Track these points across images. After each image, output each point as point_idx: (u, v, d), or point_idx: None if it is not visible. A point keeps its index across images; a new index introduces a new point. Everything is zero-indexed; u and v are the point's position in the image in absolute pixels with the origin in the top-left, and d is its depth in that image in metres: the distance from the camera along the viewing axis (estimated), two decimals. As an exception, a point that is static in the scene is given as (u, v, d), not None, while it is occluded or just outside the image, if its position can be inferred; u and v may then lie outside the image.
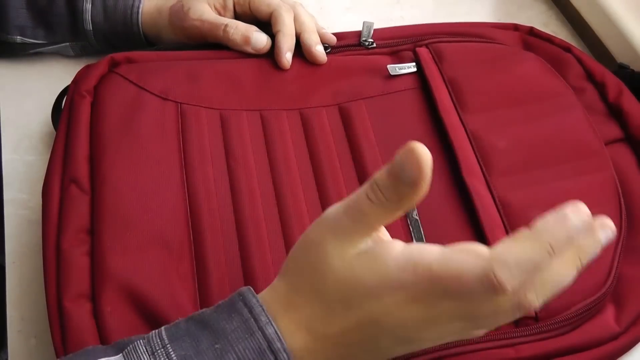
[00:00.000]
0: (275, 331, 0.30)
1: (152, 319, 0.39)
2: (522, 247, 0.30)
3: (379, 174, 0.31)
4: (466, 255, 0.30)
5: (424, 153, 0.29)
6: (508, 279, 0.29)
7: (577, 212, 0.31)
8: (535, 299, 0.30)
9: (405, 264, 0.30)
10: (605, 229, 0.32)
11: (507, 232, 0.43)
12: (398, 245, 0.32)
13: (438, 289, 0.30)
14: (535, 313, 0.40)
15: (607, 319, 0.41)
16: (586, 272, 0.41)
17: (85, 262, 0.41)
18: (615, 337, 0.41)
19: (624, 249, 0.44)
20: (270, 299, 0.32)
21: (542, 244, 0.30)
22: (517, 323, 0.40)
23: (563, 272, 0.31)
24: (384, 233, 0.35)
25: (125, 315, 0.39)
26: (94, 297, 0.40)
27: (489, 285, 0.29)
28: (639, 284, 0.43)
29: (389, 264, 0.31)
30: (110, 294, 0.39)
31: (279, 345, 0.30)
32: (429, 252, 0.31)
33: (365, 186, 0.31)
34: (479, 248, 0.31)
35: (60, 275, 0.40)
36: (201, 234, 0.43)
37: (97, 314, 0.39)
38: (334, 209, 0.32)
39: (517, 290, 0.29)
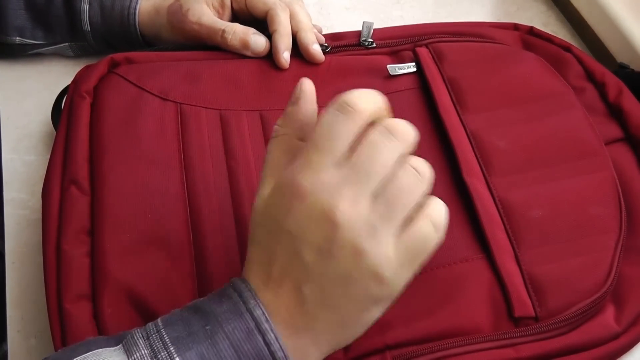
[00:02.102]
0: (264, 312, 0.32)
1: (152, 319, 0.39)
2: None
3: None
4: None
5: (305, 80, 0.36)
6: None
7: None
8: None
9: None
10: None
11: (507, 232, 0.43)
12: None
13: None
14: (536, 313, 0.40)
15: (607, 319, 0.41)
16: (586, 272, 0.42)
17: (85, 263, 0.41)
18: (615, 337, 0.41)
19: (624, 249, 0.44)
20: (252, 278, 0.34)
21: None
22: (517, 323, 0.40)
23: None
24: None
25: (125, 316, 0.39)
26: (94, 298, 0.40)
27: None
28: (639, 284, 0.43)
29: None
30: (111, 294, 0.39)
31: (266, 325, 0.31)
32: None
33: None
34: None
35: (60, 276, 0.40)
36: (201, 234, 0.43)
37: (97, 315, 0.39)
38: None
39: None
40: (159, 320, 0.33)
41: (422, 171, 0.33)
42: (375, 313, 0.34)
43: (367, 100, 0.33)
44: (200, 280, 0.41)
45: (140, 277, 0.40)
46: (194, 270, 0.42)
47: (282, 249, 0.33)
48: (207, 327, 0.31)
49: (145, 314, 0.39)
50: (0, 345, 0.52)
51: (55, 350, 0.38)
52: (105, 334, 0.38)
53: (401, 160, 0.33)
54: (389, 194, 0.32)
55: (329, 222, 0.31)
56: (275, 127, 0.36)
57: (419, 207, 0.33)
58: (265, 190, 0.34)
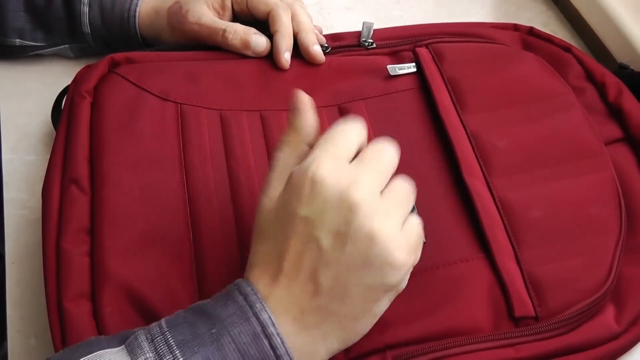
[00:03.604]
0: (270, 317, 0.32)
1: (152, 319, 0.39)
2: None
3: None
4: None
5: (302, 94, 0.38)
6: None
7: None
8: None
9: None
10: None
11: (507, 232, 0.43)
12: None
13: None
14: (536, 313, 0.40)
15: (607, 319, 0.41)
16: (586, 272, 0.42)
17: (85, 262, 0.41)
18: (615, 337, 0.41)
19: (624, 249, 0.44)
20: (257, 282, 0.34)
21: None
22: (518, 323, 0.40)
23: None
24: None
25: (125, 315, 0.39)
26: (94, 297, 0.40)
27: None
28: (639, 284, 0.43)
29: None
30: (110, 294, 0.39)
31: (272, 329, 0.32)
32: None
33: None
34: None
35: (60, 276, 0.40)
36: (201, 234, 0.43)
37: (97, 314, 0.39)
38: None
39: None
40: (162, 322, 0.33)
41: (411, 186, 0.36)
42: (384, 303, 0.35)
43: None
44: (200, 279, 0.41)
45: (140, 277, 0.40)
46: (194, 270, 0.42)
47: (298, 237, 0.33)
48: (213, 331, 0.32)
49: (144, 313, 0.39)
50: (0, 345, 0.52)
51: (55, 350, 0.38)
52: (105, 333, 0.38)
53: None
54: (395, 190, 0.35)
55: (347, 205, 0.33)
56: (281, 139, 0.37)
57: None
58: (275, 190, 0.35)
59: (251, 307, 0.32)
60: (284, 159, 0.37)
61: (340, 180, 0.33)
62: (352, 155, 0.35)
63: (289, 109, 0.38)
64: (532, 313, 0.40)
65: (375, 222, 0.33)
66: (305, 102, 0.37)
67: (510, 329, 0.40)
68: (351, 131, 0.36)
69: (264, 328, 0.32)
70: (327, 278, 0.33)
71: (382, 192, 0.34)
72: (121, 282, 0.40)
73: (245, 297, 0.33)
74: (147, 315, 0.39)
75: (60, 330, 0.39)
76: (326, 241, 0.33)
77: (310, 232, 0.33)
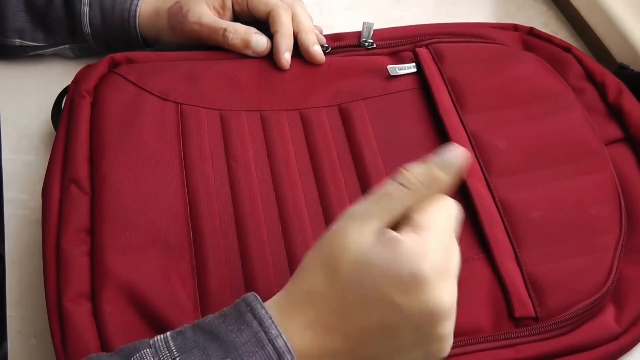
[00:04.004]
0: (285, 343, 0.30)
1: (151, 318, 0.39)
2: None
3: (409, 165, 0.32)
4: None
5: (463, 149, 0.33)
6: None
7: None
8: None
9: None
10: None
11: (507, 232, 0.43)
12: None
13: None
14: (536, 313, 0.40)
15: (607, 319, 0.41)
16: (586, 272, 0.42)
17: (85, 262, 0.41)
18: (615, 337, 0.41)
19: (624, 249, 0.44)
20: (280, 305, 0.32)
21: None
22: (518, 323, 0.40)
23: None
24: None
25: (124, 315, 0.39)
26: (94, 297, 0.40)
27: None
28: (639, 284, 0.43)
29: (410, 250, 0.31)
30: (110, 293, 0.39)
31: (289, 357, 0.30)
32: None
33: (394, 176, 0.33)
34: None
35: (60, 275, 0.40)
36: (201, 234, 0.43)
37: (96, 314, 0.39)
38: (359, 202, 0.33)
39: None
40: (170, 341, 0.31)
41: None
42: None
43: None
44: (200, 278, 0.41)
45: (140, 276, 0.40)
46: (194, 270, 0.42)
47: (378, 316, 0.31)
48: None
49: (144, 312, 0.39)
50: (0, 345, 0.52)
51: (55, 350, 0.38)
52: (104, 333, 0.38)
53: None
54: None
55: (436, 318, 0.31)
56: (408, 175, 0.33)
57: None
58: (366, 227, 0.32)
59: (266, 333, 0.31)
60: (398, 196, 0.32)
61: (447, 295, 0.31)
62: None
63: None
64: (532, 313, 0.40)
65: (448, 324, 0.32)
66: (463, 151, 0.33)
67: (510, 330, 0.40)
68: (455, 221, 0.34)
69: (280, 356, 0.30)
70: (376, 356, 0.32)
71: None
72: (121, 281, 0.40)
73: (260, 322, 0.31)
74: (147, 314, 0.39)
75: (60, 330, 0.39)
76: (406, 338, 0.31)
77: (395, 321, 0.31)
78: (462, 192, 0.45)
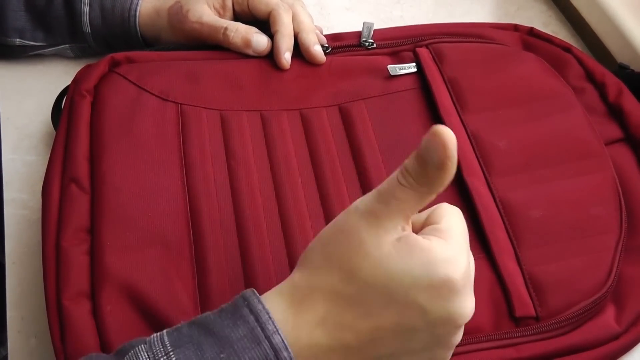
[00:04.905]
0: (282, 340, 0.30)
1: (151, 318, 0.39)
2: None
3: (408, 159, 0.31)
4: None
5: (448, 135, 0.29)
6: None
7: None
8: None
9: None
10: None
11: (507, 232, 0.43)
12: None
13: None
14: (536, 313, 0.40)
15: (608, 319, 0.41)
16: (587, 272, 0.42)
17: (84, 261, 0.41)
18: (615, 337, 0.41)
19: (624, 249, 0.44)
20: (282, 300, 0.32)
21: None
22: (518, 323, 0.40)
23: None
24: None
25: (124, 314, 0.39)
26: (94, 296, 0.40)
27: None
28: (639, 284, 0.43)
29: (433, 251, 0.31)
30: (110, 293, 0.39)
31: (285, 354, 0.30)
32: None
33: (396, 172, 0.31)
34: None
35: (59, 274, 0.40)
36: (201, 233, 0.43)
37: (96, 313, 0.39)
38: (363, 198, 0.32)
39: None
40: (165, 337, 0.31)
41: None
42: None
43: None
44: (200, 279, 0.41)
45: (139, 275, 0.40)
46: (194, 269, 0.42)
47: (397, 316, 0.31)
48: (222, 355, 0.29)
49: (144, 311, 0.39)
50: (0, 346, 0.52)
51: (55, 349, 0.38)
52: (104, 332, 0.38)
53: None
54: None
55: (456, 323, 0.32)
56: (405, 171, 0.31)
57: None
58: (388, 236, 0.31)
59: (263, 329, 0.30)
60: (401, 195, 0.31)
61: (470, 304, 0.32)
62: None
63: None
64: (533, 313, 0.40)
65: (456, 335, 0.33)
66: (449, 141, 0.29)
67: (510, 329, 0.40)
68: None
69: (277, 353, 0.29)
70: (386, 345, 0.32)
71: None
72: (121, 280, 0.40)
73: (257, 318, 0.30)
74: (147, 314, 0.39)
75: (60, 329, 0.39)
76: (417, 344, 0.32)
77: (416, 326, 0.31)
78: (462, 192, 0.45)
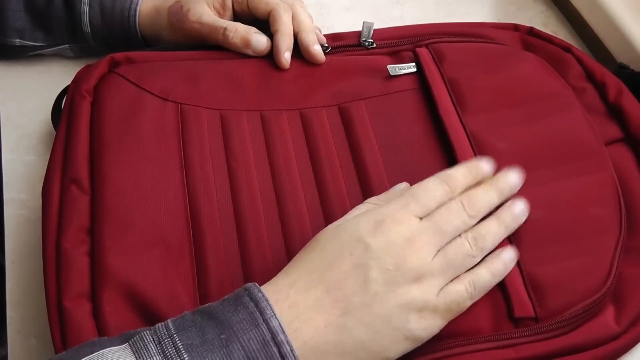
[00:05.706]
0: (280, 324, 0.32)
1: (152, 318, 0.39)
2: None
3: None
4: None
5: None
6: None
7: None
8: None
9: None
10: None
11: (507, 232, 0.43)
12: None
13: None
14: (536, 314, 0.40)
15: (607, 319, 0.41)
16: (586, 273, 0.42)
17: (85, 262, 0.41)
18: (615, 337, 0.41)
19: (624, 249, 0.44)
20: (273, 289, 0.35)
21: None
22: (517, 323, 0.40)
23: None
24: None
25: (125, 315, 0.39)
26: (94, 297, 0.40)
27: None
28: (639, 284, 0.43)
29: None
30: (110, 293, 0.39)
31: (282, 337, 0.32)
32: None
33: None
34: None
35: (60, 275, 0.40)
36: (201, 234, 0.43)
37: (97, 314, 0.39)
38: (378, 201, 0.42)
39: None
40: (169, 323, 0.33)
41: (482, 245, 0.39)
42: (402, 347, 0.36)
43: (466, 176, 0.41)
44: (200, 278, 0.41)
45: (140, 276, 0.40)
46: (194, 269, 0.42)
47: (352, 258, 0.36)
48: (222, 337, 0.32)
49: (145, 312, 0.39)
50: (0, 346, 0.53)
51: (55, 350, 0.38)
52: (105, 333, 0.38)
53: (467, 230, 0.39)
54: (450, 253, 0.38)
55: (403, 254, 0.36)
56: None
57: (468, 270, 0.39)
58: (354, 215, 0.40)
59: (262, 313, 0.33)
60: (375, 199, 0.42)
61: (410, 229, 0.37)
62: (432, 209, 0.39)
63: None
64: (532, 314, 0.40)
65: (421, 276, 0.36)
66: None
67: (510, 330, 0.40)
68: (443, 192, 0.40)
69: (274, 335, 0.32)
70: (361, 304, 0.35)
71: (442, 250, 0.38)
72: (121, 281, 0.40)
73: (257, 304, 0.33)
74: (147, 314, 0.39)
75: (60, 330, 0.39)
76: (374, 273, 0.36)
77: (365, 259, 0.36)
78: (462, 192, 0.45)
